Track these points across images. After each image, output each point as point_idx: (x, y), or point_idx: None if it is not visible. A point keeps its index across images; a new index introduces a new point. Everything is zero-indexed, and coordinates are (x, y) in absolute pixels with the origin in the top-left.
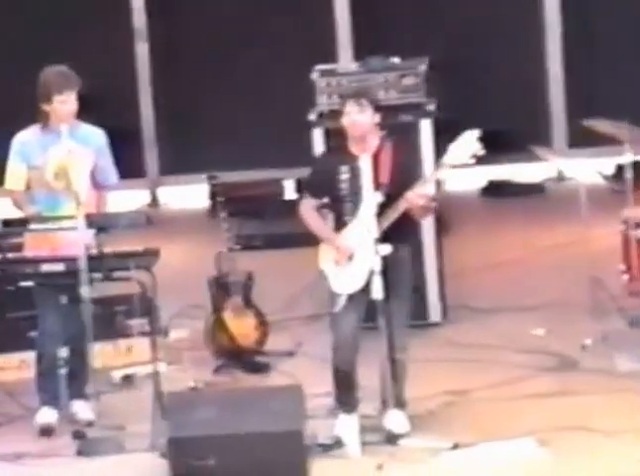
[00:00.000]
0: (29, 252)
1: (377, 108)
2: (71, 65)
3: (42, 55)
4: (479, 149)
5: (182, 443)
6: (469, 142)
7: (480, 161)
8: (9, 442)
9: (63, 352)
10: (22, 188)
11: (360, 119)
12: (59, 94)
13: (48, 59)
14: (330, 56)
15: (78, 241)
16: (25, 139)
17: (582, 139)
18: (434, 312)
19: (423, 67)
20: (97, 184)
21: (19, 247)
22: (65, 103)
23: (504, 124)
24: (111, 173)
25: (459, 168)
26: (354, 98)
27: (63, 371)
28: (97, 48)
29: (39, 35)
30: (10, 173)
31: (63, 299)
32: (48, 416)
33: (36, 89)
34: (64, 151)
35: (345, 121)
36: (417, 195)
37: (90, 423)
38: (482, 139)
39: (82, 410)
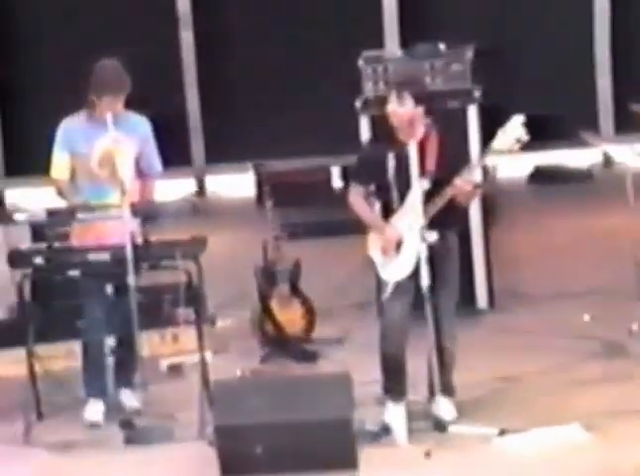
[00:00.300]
0: (74, 241)
1: (421, 98)
2: (117, 53)
3: (88, 42)
4: (524, 135)
5: (230, 432)
6: (515, 128)
7: (527, 147)
8: (56, 432)
9: (111, 342)
10: (66, 177)
11: (398, 110)
12: (110, 96)
13: (93, 46)
14: (377, 42)
15: (124, 230)
16: (69, 127)
17: (629, 124)
18: (481, 299)
19: (469, 54)
20: (141, 173)
21: (65, 237)
22: (114, 104)
23: (551, 110)
24: (155, 161)
25: (505, 154)
26: (395, 89)
27: (111, 360)
28: (142, 35)
29: (85, 22)
30: (54, 162)
31: (110, 289)
32: (94, 410)
33: (83, 77)
34: (109, 140)
35: (387, 112)
36: (464, 182)
37: (138, 412)
38: (529, 125)
39: (130, 399)
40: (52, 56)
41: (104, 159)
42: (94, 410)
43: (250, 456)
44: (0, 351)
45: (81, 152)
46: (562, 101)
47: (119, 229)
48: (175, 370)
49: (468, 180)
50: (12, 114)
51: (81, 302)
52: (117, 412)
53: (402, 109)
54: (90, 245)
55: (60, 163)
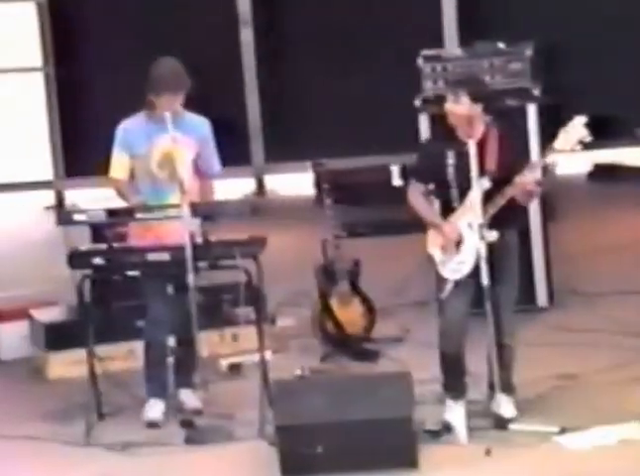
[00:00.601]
0: (133, 241)
1: (480, 97)
2: (177, 53)
3: (148, 42)
4: (586, 135)
5: (290, 431)
6: (577, 128)
7: (587, 145)
8: (117, 432)
9: (171, 341)
10: (125, 178)
11: (455, 109)
12: (169, 94)
13: (154, 46)
14: (436, 41)
15: (183, 230)
16: (129, 127)
17: None
18: (541, 297)
19: (529, 52)
20: (200, 173)
21: (123, 237)
22: (173, 103)
23: (610, 109)
24: (214, 161)
25: (566, 153)
26: (451, 87)
27: (171, 360)
28: (202, 34)
29: (146, 22)
30: (113, 162)
31: (170, 289)
32: (155, 410)
33: (143, 77)
34: (169, 140)
35: (445, 109)
36: (526, 181)
37: (198, 412)
38: (589, 124)
39: (190, 398)
40: (112, 56)
41: (164, 159)
42: (154, 409)
43: (310, 456)
44: (61, 352)
45: (141, 152)
46: (621, 100)
47: (178, 229)
48: (235, 369)
49: (529, 180)
50: (72, 115)
51: (142, 303)
52: (177, 411)
53: (458, 107)
54: (150, 245)
55: (120, 163)
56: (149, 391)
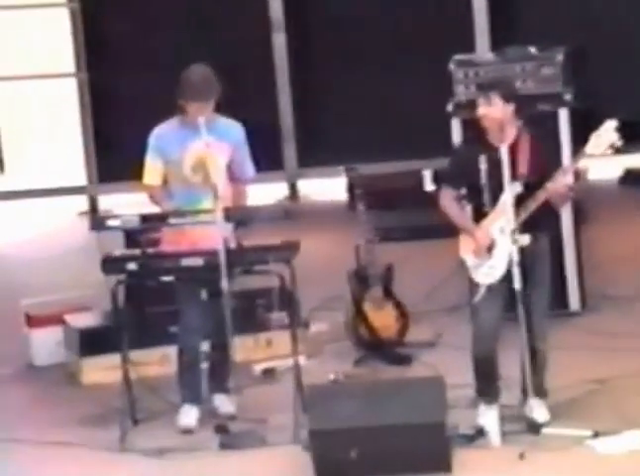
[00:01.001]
0: (167, 247)
1: (510, 98)
2: (209, 58)
3: (180, 47)
4: (617, 140)
5: (324, 436)
6: (608, 132)
7: (618, 149)
8: (151, 437)
9: (205, 346)
10: (158, 183)
11: (487, 112)
12: (198, 103)
13: (186, 51)
14: (467, 45)
15: (217, 235)
16: (162, 133)
17: None
18: (573, 301)
19: (560, 57)
20: (234, 178)
21: (157, 242)
22: (202, 110)
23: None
24: (248, 166)
25: (597, 157)
26: (483, 91)
27: (205, 365)
28: (234, 39)
29: (178, 27)
30: (147, 168)
31: (204, 294)
32: (189, 416)
33: (176, 83)
34: (202, 145)
35: (477, 113)
36: (558, 186)
37: (232, 417)
38: (620, 128)
39: (224, 403)
40: (145, 61)
41: (197, 164)
42: (189, 415)
43: (344, 460)
44: (95, 358)
45: (174, 158)
46: None
47: (212, 234)
48: (269, 374)
49: (561, 184)
50: (106, 120)
51: (175, 308)
52: (211, 417)
53: (491, 109)
54: (183, 250)
55: (153, 169)
56: (183, 397)
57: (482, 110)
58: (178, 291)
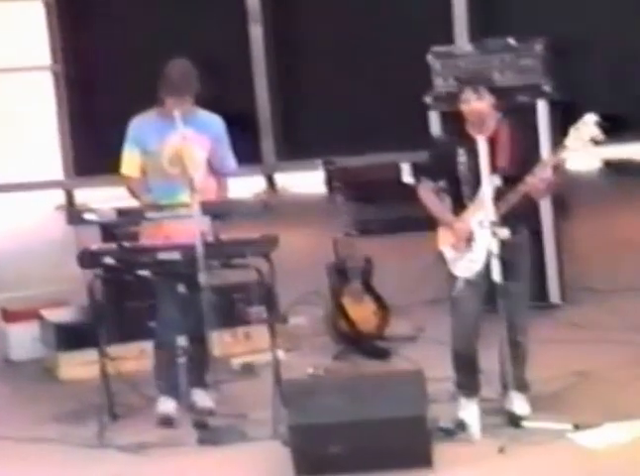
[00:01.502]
0: (145, 240)
1: (492, 90)
2: (186, 50)
3: (156, 37)
4: (598, 134)
5: (304, 431)
6: (588, 125)
7: (597, 142)
8: (130, 433)
9: (183, 341)
10: (136, 175)
11: (478, 106)
12: (175, 97)
13: (161, 43)
14: (446, 37)
15: (194, 229)
16: (140, 124)
17: None
18: (554, 294)
19: (540, 48)
20: (215, 172)
21: (134, 236)
22: (179, 105)
23: (624, 107)
24: (229, 159)
25: (577, 151)
26: (471, 85)
27: (182, 360)
28: (211, 30)
29: (154, 17)
30: (124, 158)
31: (181, 288)
32: (167, 405)
33: (154, 74)
34: (179, 138)
35: (463, 108)
36: (538, 179)
37: (210, 412)
38: (602, 122)
39: (202, 398)
40: (121, 54)
41: (174, 157)
42: (166, 403)
43: (324, 455)
44: (72, 353)
45: (152, 149)
46: (635, 99)
47: (190, 228)
48: (248, 369)
49: (541, 178)
50: (82, 114)
51: (153, 302)
52: (190, 412)
53: (481, 104)
54: (161, 244)
55: (131, 160)
56: (159, 390)
57: (473, 104)
58: (155, 285)
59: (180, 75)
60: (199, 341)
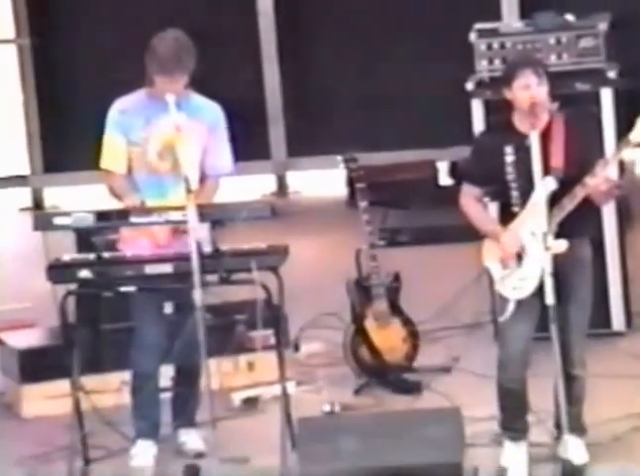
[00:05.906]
0: (127, 250)
1: (548, 76)
2: (178, 21)
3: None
4: None
5: None
6: None
7: None
8: None
9: (169, 371)
10: (122, 171)
11: (539, 92)
12: (165, 76)
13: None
14: (492, 13)
15: (189, 237)
16: (126, 107)
17: None
18: (617, 320)
19: (604, 26)
20: (205, 169)
21: (116, 244)
22: (171, 86)
23: None
24: (224, 158)
25: None
26: (531, 67)
27: (168, 394)
28: (220, 16)
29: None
30: (105, 149)
31: (169, 308)
32: (144, 454)
33: (140, 46)
34: (171, 127)
35: (520, 95)
36: (598, 181)
37: (200, 455)
38: None
39: (191, 439)
40: (100, 25)
41: (165, 149)
42: (143, 453)
43: None
44: (38, 384)
45: (138, 137)
46: None
47: (183, 236)
48: (251, 404)
49: (602, 179)
50: (52, 98)
51: (134, 324)
52: (177, 455)
53: (541, 90)
54: (147, 255)
55: (114, 151)
56: (137, 431)
57: (535, 90)
58: (135, 303)
59: (172, 52)
60: (189, 372)
